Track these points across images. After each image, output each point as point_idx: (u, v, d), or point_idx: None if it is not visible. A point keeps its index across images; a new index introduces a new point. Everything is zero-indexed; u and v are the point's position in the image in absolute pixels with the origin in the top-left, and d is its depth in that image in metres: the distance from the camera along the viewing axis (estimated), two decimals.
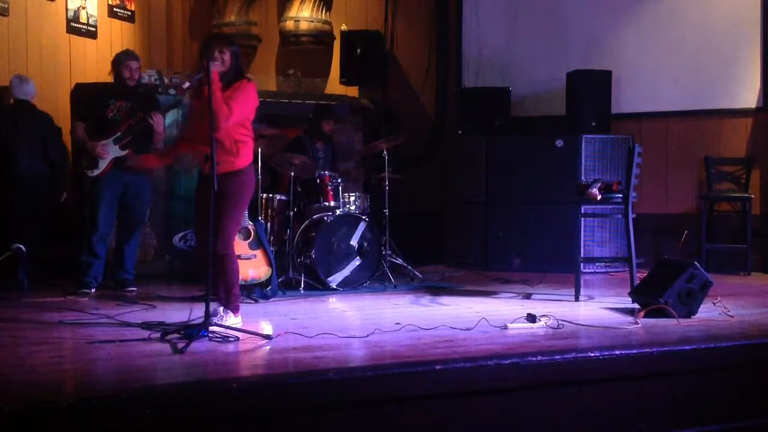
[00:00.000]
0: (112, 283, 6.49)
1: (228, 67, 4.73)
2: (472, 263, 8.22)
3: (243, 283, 6.04)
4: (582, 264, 6.34)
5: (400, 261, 7.33)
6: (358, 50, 9.17)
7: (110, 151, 6.27)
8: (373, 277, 6.88)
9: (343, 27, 9.40)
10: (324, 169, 7.11)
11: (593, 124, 8.01)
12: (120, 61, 6.44)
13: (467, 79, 9.05)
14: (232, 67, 4.76)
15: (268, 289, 6.18)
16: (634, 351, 4.23)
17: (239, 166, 4.81)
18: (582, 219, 6.44)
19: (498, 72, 8.81)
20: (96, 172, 6.29)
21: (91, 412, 3.17)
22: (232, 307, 4.85)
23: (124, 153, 6.29)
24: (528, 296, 6.35)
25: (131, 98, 6.42)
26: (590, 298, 6.18)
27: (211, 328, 4.45)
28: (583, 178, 7.55)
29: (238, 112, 4.72)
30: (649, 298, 5.37)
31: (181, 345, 4.19)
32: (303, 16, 9.57)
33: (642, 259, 6.71)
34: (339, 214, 6.81)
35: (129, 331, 4.71)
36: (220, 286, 4.86)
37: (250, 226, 6.13)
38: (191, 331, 4.40)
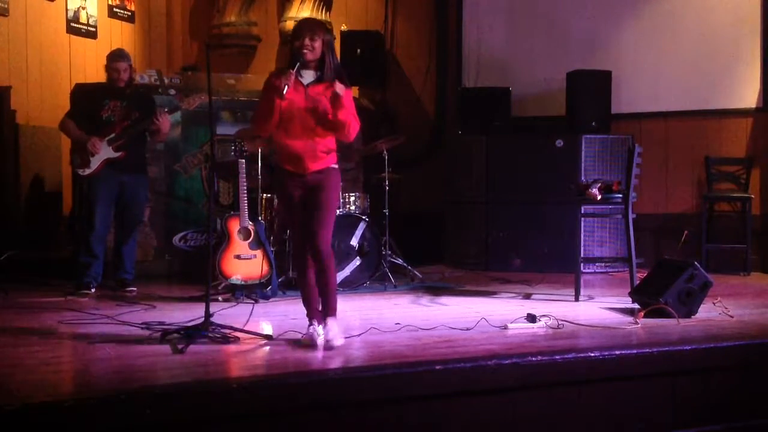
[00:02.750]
0: (112, 283, 6.49)
1: (318, 56, 4.42)
2: (472, 263, 8.21)
3: (243, 283, 6.06)
4: (582, 264, 6.33)
5: (400, 261, 7.33)
6: (358, 50, 9.16)
7: (102, 150, 6.26)
8: (373, 278, 6.88)
9: (343, 27, 9.39)
10: None
11: (593, 124, 8.01)
12: (107, 62, 6.40)
13: (467, 79, 9.04)
14: (328, 59, 4.45)
15: (268, 289, 6.18)
16: (634, 351, 4.23)
17: (334, 161, 4.62)
18: (582, 219, 6.44)
19: (498, 72, 8.80)
20: (87, 171, 6.27)
21: (91, 412, 3.17)
22: (334, 311, 4.47)
23: (117, 155, 6.28)
24: (528, 296, 6.35)
25: (126, 98, 6.40)
26: (590, 298, 6.18)
27: (211, 328, 4.46)
28: (583, 178, 7.54)
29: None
30: (649, 298, 5.37)
31: (181, 345, 4.19)
32: (303, 16, 9.56)
33: (642, 259, 6.71)
34: (339, 214, 6.80)
35: (129, 331, 4.71)
36: (314, 294, 4.53)
37: (250, 226, 6.13)
38: (191, 331, 4.40)
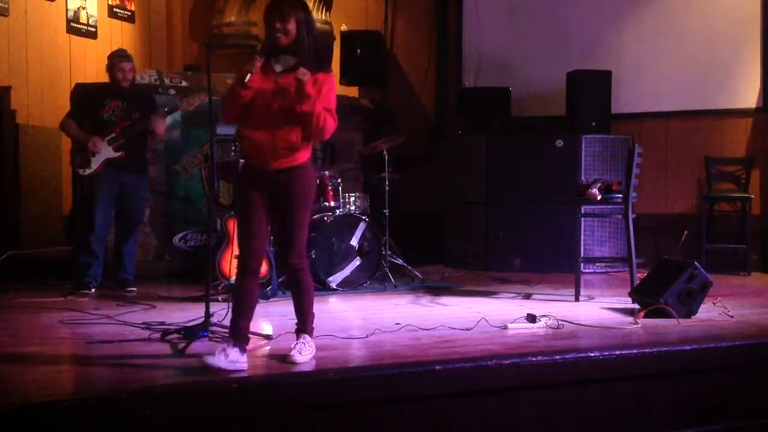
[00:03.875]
0: (113, 283, 6.49)
1: (293, 38, 3.96)
2: (472, 263, 8.21)
3: None
4: (582, 264, 6.34)
5: (400, 261, 7.32)
6: (358, 50, 9.17)
7: (103, 150, 6.25)
8: (373, 278, 6.88)
9: (343, 27, 9.40)
10: (323, 168, 7.12)
11: (593, 124, 8.01)
12: (112, 63, 6.39)
13: (467, 79, 9.05)
14: (303, 39, 3.97)
15: (269, 289, 6.18)
16: (634, 351, 4.23)
17: (302, 159, 4.05)
18: (582, 219, 6.44)
19: (498, 72, 8.81)
20: (88, 171, 6.27)
21: (91, 412, 3.17)
22: (310, 329, 4.18)
23: (117, 155, 6.27)
24: (528, 296, 6.35)
25: (127, 98, 6.39)
26: (590, 298, 6.18)
27: (212, 328, 4.46)
28: (583, 178, 7.54)
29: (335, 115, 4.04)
30: (649, 298, 5.37)
31: (181, 345, 4.19)
32: None
33: (642, 259, 6.71)
34: (339, 214, 6.81)
35: (129, 331, 4.71)
36: (249, 309, 4.10)
37: None
38: (191, 331, 4.40)
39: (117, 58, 6.41)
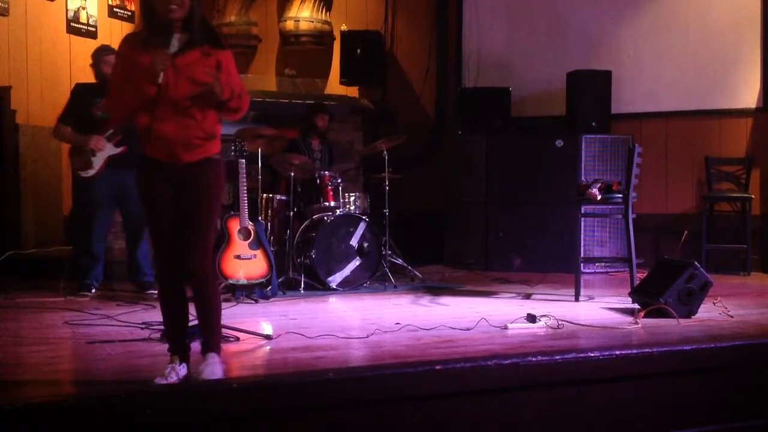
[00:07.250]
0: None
1: (187, 11, 3.46)
2: (472, 263, 8.21)
3: (246, 282, 6.05)
4: (582, 264, 6.33)
5: (400, 261, 7.33)
6: (358, 50, 9.17)
7: (106, 148, 6.16)
8: (373, 278, 6.88)
9: (343, 27, 9.40)
10: (323, 168, 7.12)
11: (593, 124, 8.01)
12: (99, 57, 6.26)
13: (467, 79, 9.05)
14: (198, 15, 3.52)
15: (268, 289, 6.18)
16: (634, 351, 4.22)
17: (215, 150, 3.67)
18: (582, 219, 6.44)
19: (498, 72, 8.81)
20: (91, 172, 6.17)
21: (91, 412, 3.17)
22: (219, 348, 3.74)
23: (118, 150, 6.18)
24: (528, 296, 6.35)
25: None
26: (590, 298, 6.18)
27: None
28: (583, 178, 7.54)
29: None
30: (649, 298, 5.37)
31: None
32: (303, 16, 9.57)
33: (642, 259, 6.71)
34: (339, 214, 6.81)
35: (129, 331, 4.71)
36: (181, 322, 3.77)
37: (250, 226, 6.13)
38: (191, 331, 4.39)
39: (103, 53, 6.26)
